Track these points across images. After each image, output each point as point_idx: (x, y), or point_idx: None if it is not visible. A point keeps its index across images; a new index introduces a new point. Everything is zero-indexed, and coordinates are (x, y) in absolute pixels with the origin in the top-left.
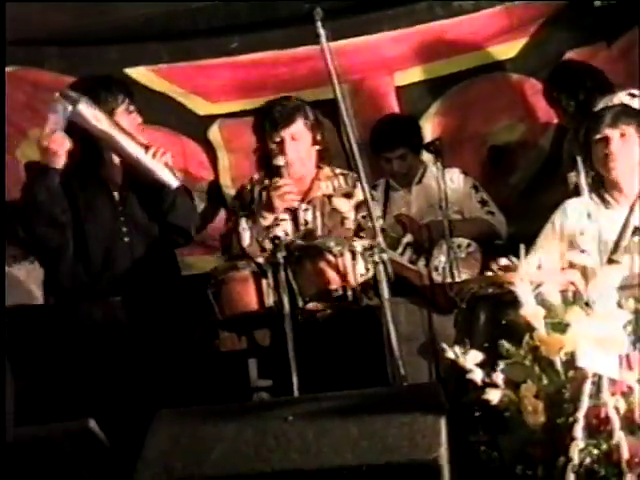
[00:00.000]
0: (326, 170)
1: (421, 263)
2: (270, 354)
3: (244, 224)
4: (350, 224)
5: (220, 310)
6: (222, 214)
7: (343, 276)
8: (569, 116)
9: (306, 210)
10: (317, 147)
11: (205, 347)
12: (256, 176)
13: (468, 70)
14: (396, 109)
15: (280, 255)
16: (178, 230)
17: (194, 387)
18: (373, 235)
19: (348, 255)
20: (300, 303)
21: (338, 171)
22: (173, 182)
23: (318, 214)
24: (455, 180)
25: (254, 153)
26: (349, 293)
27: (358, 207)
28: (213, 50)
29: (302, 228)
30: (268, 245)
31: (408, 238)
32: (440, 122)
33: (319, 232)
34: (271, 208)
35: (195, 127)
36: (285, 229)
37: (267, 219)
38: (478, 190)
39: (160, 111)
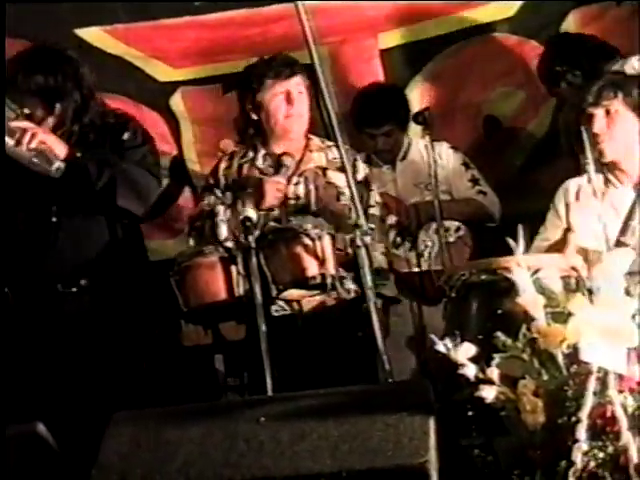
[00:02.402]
0: (316, 141)
1: (405, 247)
2: (240, 349)
3: (222, 215)
4: (346, 200)
5: (184, 300)
6: (187, 193)
7: (321, 262)
8: (575, 89)
9: (297, 184)
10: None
11: (167, 341)
12: (235, 148)
13: (461, 31)
14: (380, 75)
15: (252, 238)
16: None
17: (154, 386)
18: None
19: (327, 238)
20: (274, 292)
21: (327, 143)
22: (53, 167)
23: (312, 187)
24: (444, 156)
25: (235, 121)
26: (328, 281)
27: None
28: (175, 8)
29: (292, 202)
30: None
31: (391, 219)
32: (429, 90)
33: (313, 207)
34: (258, 203)
35: (155, 95)
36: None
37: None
38: (469, 167)
39: (116, 77)
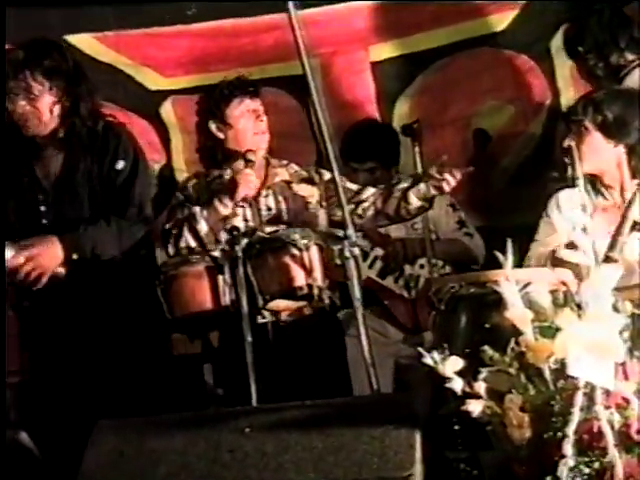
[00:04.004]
0: (274, 160)
1: (392, 277)
2: (226, 359)
3: (199, 214)
4: (314, 209)
5: (170, 309)
6: None
7: (309, 272)
8: (595, 80)
9: (267, 196)
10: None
11: (154, 350)
12: (202, 170)
13: (452, 44)
14: (371, 87)
15: (238, 248)
16: None
17: (141, 395)
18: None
19: (314, 249)
20: (260, 302)
21: (284, 162)
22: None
23: (281, 198)
24: None
25: (198, 142)
26: (315, 292)
27: (325, 190)
28: (167, 17)
29: (264, 214)
30: (224, 237)
31: (377, 251)
32: (419, 102)
33: (285, 217)
34: (233, 194)
35: (145, 103)
36: (245, 216)
37: (227, 207)
38: (455, 209)
39: (106, 85)
